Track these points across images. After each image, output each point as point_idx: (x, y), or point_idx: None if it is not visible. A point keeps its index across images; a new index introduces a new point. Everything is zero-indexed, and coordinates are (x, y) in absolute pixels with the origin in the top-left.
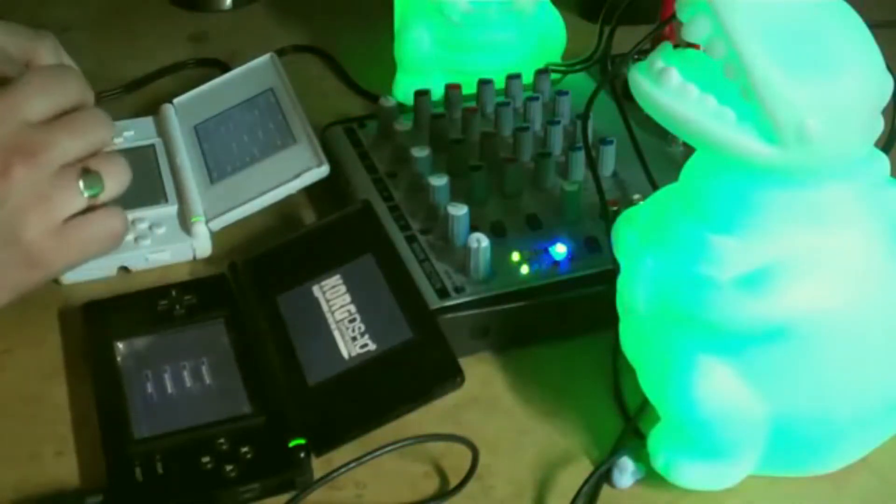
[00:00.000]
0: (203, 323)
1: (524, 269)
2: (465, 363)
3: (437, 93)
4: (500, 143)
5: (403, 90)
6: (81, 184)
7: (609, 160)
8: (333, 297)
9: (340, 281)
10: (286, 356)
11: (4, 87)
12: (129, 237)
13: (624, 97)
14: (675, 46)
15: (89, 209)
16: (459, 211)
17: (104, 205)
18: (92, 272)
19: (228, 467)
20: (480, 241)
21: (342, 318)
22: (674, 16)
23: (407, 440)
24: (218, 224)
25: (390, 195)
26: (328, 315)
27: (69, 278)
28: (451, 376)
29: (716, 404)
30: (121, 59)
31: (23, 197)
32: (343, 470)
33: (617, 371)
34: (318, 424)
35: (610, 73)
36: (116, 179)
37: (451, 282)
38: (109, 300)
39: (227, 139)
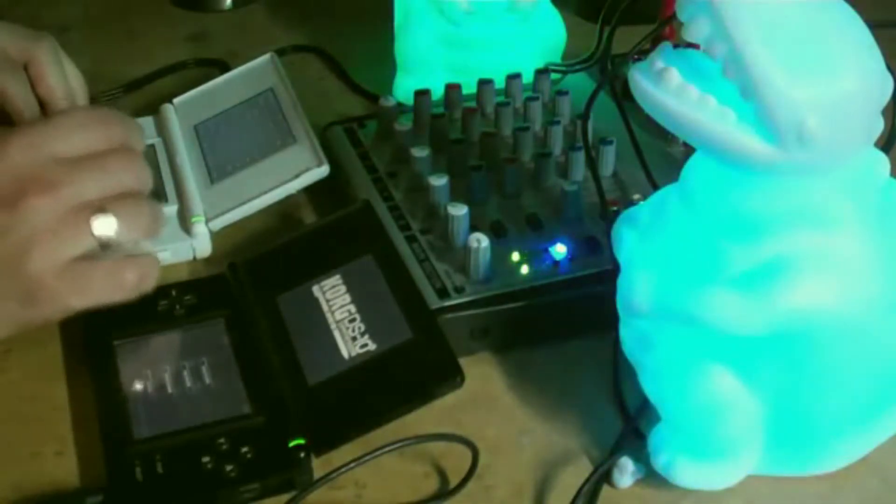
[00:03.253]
0: (203, 323)
1: (524, 269)
2: (465, 363)
3: (437, 93)
4: (500, 143)
5: (403, 90)
6: (94, 224)
7: (609, 160)
8: (333, 297)
9: (340, 281)
10: (286, 356)
11: (44, 119)
12: None
13: (624, 97)
14: (675, 46)
15: (112, 255)
16: (459, 211)
17: (125, 252)
18: None
19: (228, 467)
20: (480, 241)
21: (342, 318)
22: (674, 16)
23: (407, 440)
24: (218, 224)
25: (390, 195)
26: (328, 315)
27: None
28: (451, 376)
29: (715, 404)
30: (121, 59)
31: (32, 229)
32: (343, 470)
33: (617, 371)
34: (318, 424)
35: (610, 73)
36: (133, 225)
37: (451, 282)
38: None
39: (227, 139)
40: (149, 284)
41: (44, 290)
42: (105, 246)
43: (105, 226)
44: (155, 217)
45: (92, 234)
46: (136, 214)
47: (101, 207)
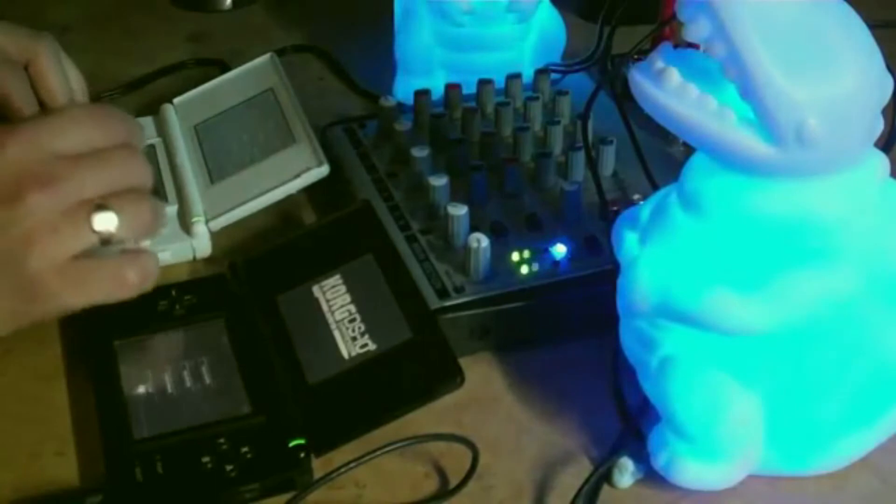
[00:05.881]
0: (203, 323)
1: (524, 269)
2: (465, 363)
3: (437, 93)
4: (500, 143)
5: (403, 90)
6: (94, 220)
7: (609, 160)
8: (333, 297)
9: (340, 281)
10: (286, 356)
11: (43, 115)
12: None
13: (624, 97)
14: (675, 46)
15: (111, 252)
16: (459, 211)
17: (125, 250)
18: None
19: (228, 467)
20: (480, 241)
21: (342, 318)
22: (674, 16)
23: (407, 440)
24: (218, 224)
25: (390, 195)
26: (328, 315)
27: None
28: (451, 376)
29: (715, 404)
30: (121, 59)
31: (32, 225)
32: (343, 470)
33: (617, 371)
34: (318, 424)
35: (610, 73)
36: (134, 221)
37: (451, 282)
38: None
39: (227, 139)
40: (150, 283)
41: (44, 287)
42: (105, 242)
43: (105, 222)
44: (156, 214)
45: (92, 231)
46: (138, 211)
47: (101, 204)
